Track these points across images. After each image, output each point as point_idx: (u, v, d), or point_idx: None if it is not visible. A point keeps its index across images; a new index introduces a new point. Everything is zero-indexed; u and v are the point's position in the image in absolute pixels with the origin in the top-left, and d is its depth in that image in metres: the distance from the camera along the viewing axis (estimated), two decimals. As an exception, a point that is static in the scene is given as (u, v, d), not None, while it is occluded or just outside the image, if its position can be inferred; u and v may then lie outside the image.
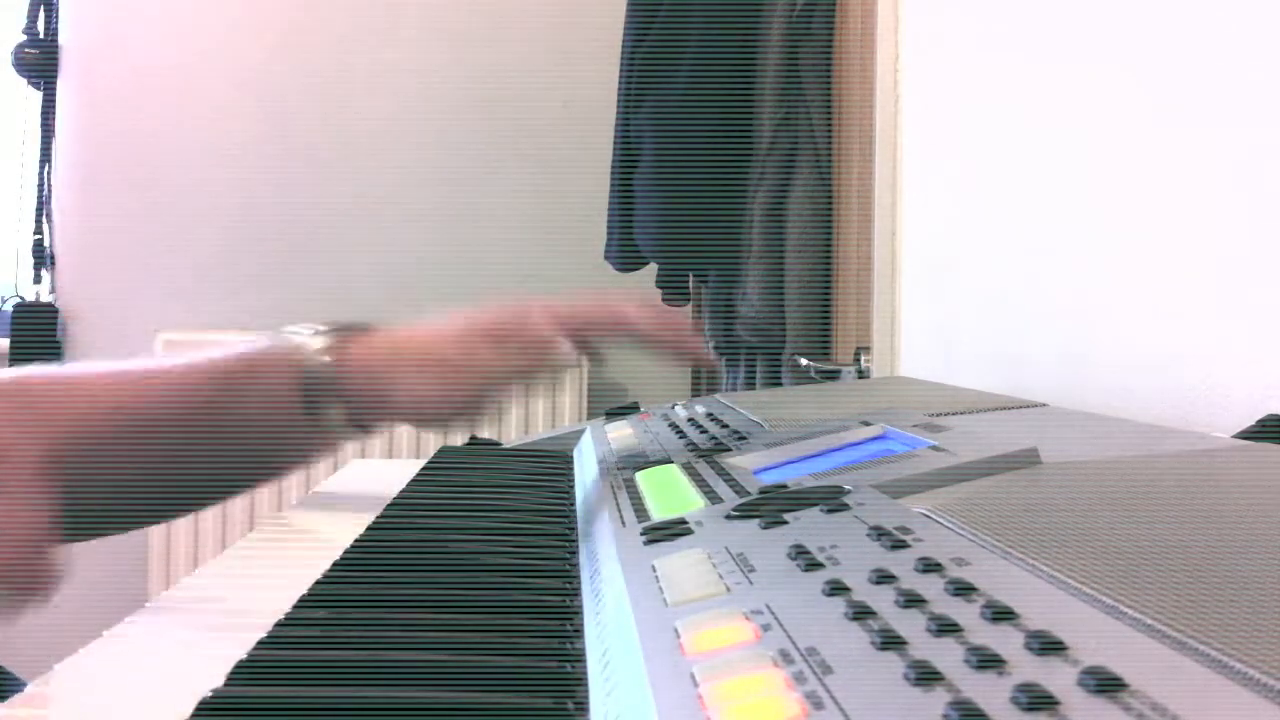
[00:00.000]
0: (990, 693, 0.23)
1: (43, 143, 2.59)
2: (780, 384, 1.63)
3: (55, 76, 2.58)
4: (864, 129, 1.43)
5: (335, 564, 0.52)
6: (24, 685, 0.39)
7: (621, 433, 0.81)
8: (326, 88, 2.57)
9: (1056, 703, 0.22)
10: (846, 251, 1.53)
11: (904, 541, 0.36)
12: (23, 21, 2.56)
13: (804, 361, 1.51)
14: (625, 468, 0.65)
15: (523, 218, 2.58)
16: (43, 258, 2.59)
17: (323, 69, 2.57)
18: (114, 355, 2.48)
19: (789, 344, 1.59)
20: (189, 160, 2.55)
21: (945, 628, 0.27)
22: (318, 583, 0.48)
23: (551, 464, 0.82)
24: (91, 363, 0.74)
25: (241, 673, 0.37)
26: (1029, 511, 0.40)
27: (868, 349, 1.37)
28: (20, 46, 2.56)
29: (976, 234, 1.11)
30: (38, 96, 2.58)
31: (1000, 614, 0.28)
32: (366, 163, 2.57)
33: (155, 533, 2.41)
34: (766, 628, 0.31)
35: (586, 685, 0.36)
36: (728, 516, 0.45)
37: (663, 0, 1.75)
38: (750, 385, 1.81)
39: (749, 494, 0.50)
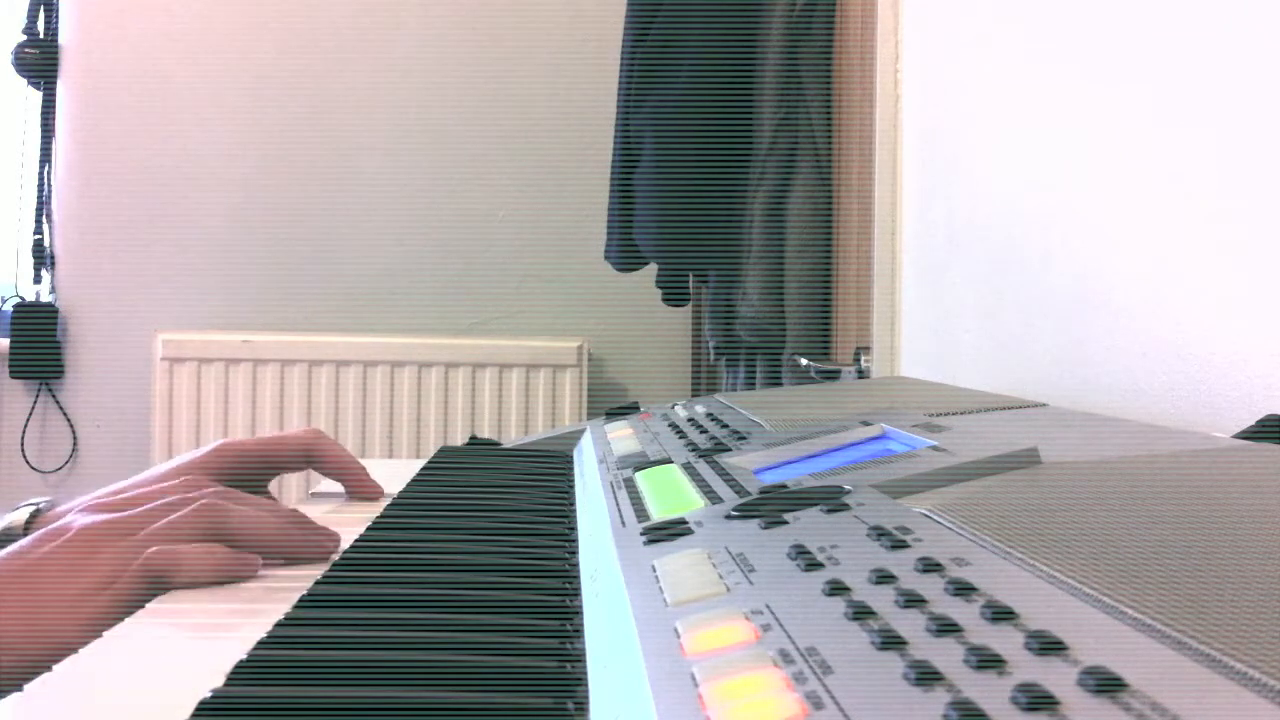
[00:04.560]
0: (990, 693, 0.23)
1: (43, 143, 2.59)
2: (780, 384, 1.63)
3: (55, 76, 2.58)
4: (864, 129, 1.43)
5: (335, 564, 0.52)
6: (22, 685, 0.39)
7: (621, 433, 0.81)
8: (326, 88, 2.57)
9: (1056, 703, 0.22)
10: (846, 251, 1.53)
11: (904, 541, 0.36)
12: (23, 21, 2.56)
13: (804, 361, 1.51)
14: (625, 468, 0.65)
15: (522, 218, 2.58)
16: (43, 258, 2.59)
17: (322, 69, 2.57)
18: (114, 355, 2.48)
19: (789, 344, 1.59)
20: (189, 160, 2.55)
21: (945, 628, 0.27)
22: (318, 583, 0.48)
23: (551, 464, 0.82)
24: None
25: (241, 673, 0.37)
26: (1029, 511, 0.40)
27: (868, 349, 1.37)
28: (20, 46, 2.56)
29: (976, 234, 1.11)
30: (38, 96, 2.58)
31: (1000, 614, 0.28)
32: (366, 162, 2.57)
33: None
34: (766, 628, 0.31)
35: (586, 685, 0.36)
36: (728, 516, 0.45)
37: (663, 0, 1.75)
38: (750, 385, 1.81)
39: (749, 494, 0.50)
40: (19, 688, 0.38)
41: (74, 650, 0.50)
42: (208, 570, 0.54)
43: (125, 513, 0.59)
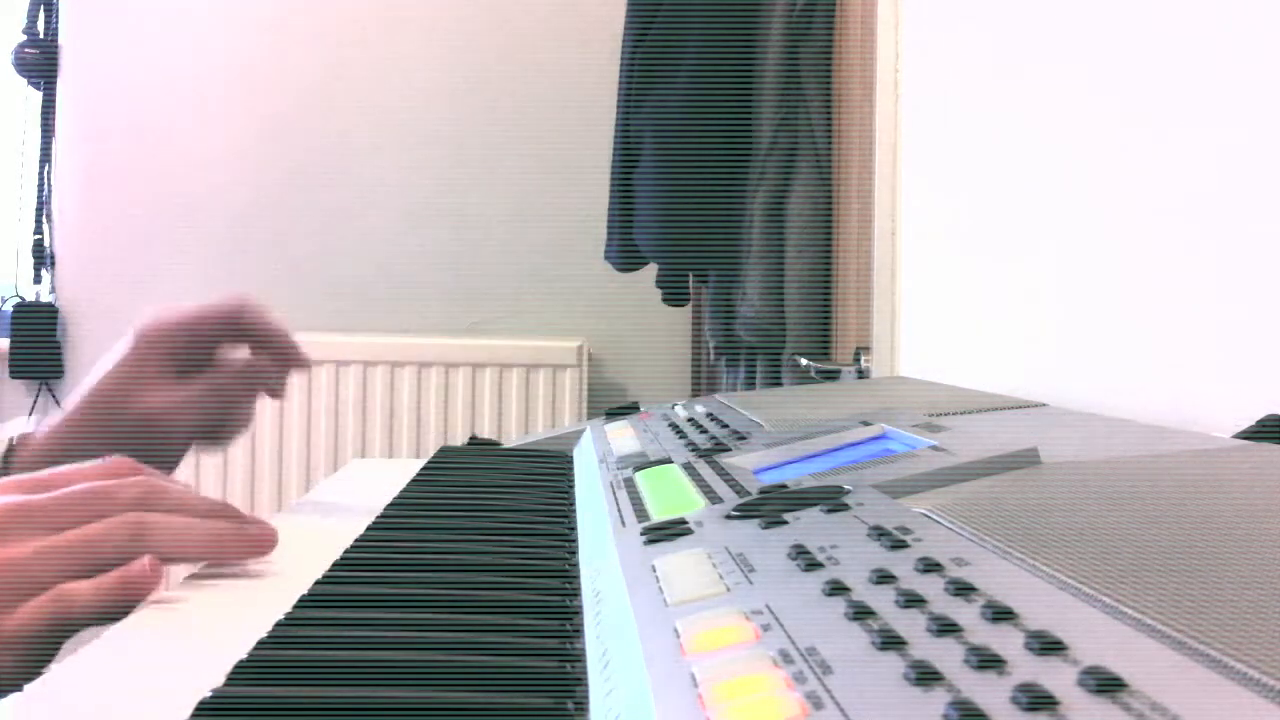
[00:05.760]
0: (990, 693, 0.23)
1: (43, 143, 2.59)
2: (780, 384, 1.63)
3: (55, 76, 2.58)
4: (864, 129, 1.43)
5: (335, 564, 0.52)
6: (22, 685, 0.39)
7: (621, 433, 0.81)
8: (326, 88, 2.57)
9: (1056, 703, 0.22)
10: (846, 251, 1.53)
11: (904, 541, 0.36)
12: (23, 21, 2.56)
13: (804, 361, 1.51)
14: (625, 468, 0.65)
15: (523, 218, 2.58)
16: (43, 258, 2.59)
17: (323, 69, 2.57)
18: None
19: (789, 344, 1.59)
20: (189, 160, 2.55)
21: (945, 628, 0.27)
22: (318, 583, 0.48)
23: (551, 464, 0.82)
24: None
25: (241, 673, 0.37)
26: (1029, 511, 0.40)
27: (868, 349, 1.37)
28: (20, 46, 2.56)
29: (976, 234, 1.11)
30: (38, 96, 2.58)
31: (1000, 614, 0.28)
32: (366, 162, 2.57)
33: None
34: (766, 628, 0.31)
35: (586, 685, 0.36)
36: (728, 516, 0.45)
37: (663, 0, 1.75)
38: (750, 385, 1.81)
39: (749, 494, 0.50)
40: (18, 687, 0.38)
41: None
42: (108, 602, 0.50)
43: (40, 496, 0.54)
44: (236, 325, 0.72)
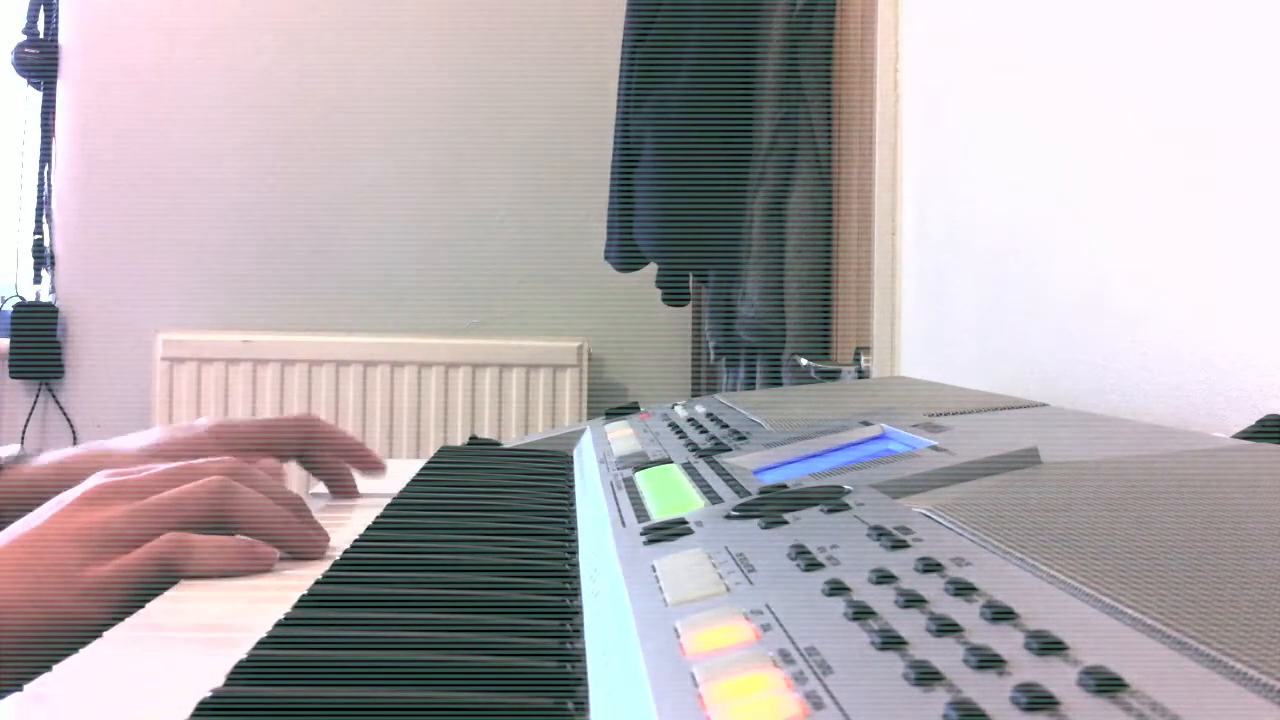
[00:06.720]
0: (990, 693, 0.23)
1: (43, 143, 2.59)
2: (780, 384, 1.63)
3: (55, 76, 2.58)
4: (864, 129, 1.43)
5: (335, 564, 0.52)
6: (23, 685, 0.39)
7: (621, 433, 0.81)
8: (326, 88, 2.57)
9: (1056, 703, 0.22)
10: (846, 251, 1.53)
11: (904, 541, 0.36)
12: (23, 21, 2.56)
13: (804, 361, 1.51)
14: (625, 468, 0.65)
15: (523, 218, 2.58)
16: (43, 258, 2.59)
17: (322, 69, 2.57)
18: (114, 355, 2.48)
19: (789, 344, 1.59)
20: (189, 160, 2.55)
21: (945, 628, 0.27)
22: (318, 583, 0.48)
23: (551, 464, 0.82)
24: None
25: (241, 673, 0.37)
26: (1029, 511, 0.40)
27: (868, 349, 1.37)
28: (20, 46, 2.56)
29: (976, 234, 1.11)
30: (38, 96, 2.58)
31: (1000, 614, 0.28)
32: (366, 162, 2.57)
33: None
34: (766, 628, 0.31)
35: (586, 685, 0.36)
36: (728, 516, 0.45)
37: (663, 0, 1.75)
38: (750, 385, 1.81)
39: (749, 494, 0.50)
40: (19, 687, 0.38)
41: (75, 619, 0.50)
42: (220, 564, 0.55)
43: (138, 472, 0.58)
44: (306, 439, 0.76)
